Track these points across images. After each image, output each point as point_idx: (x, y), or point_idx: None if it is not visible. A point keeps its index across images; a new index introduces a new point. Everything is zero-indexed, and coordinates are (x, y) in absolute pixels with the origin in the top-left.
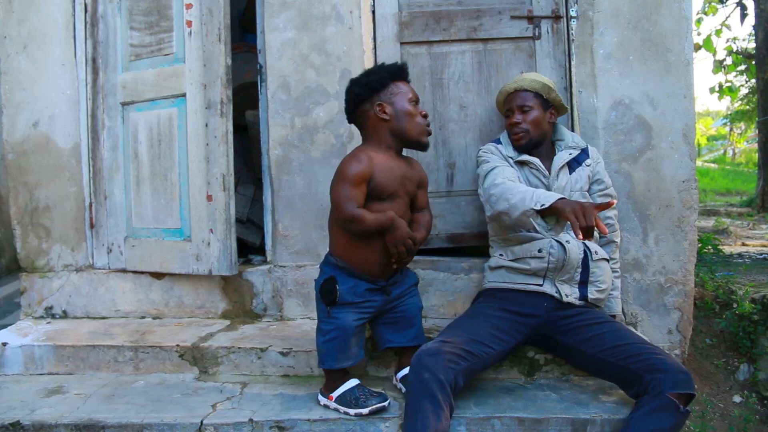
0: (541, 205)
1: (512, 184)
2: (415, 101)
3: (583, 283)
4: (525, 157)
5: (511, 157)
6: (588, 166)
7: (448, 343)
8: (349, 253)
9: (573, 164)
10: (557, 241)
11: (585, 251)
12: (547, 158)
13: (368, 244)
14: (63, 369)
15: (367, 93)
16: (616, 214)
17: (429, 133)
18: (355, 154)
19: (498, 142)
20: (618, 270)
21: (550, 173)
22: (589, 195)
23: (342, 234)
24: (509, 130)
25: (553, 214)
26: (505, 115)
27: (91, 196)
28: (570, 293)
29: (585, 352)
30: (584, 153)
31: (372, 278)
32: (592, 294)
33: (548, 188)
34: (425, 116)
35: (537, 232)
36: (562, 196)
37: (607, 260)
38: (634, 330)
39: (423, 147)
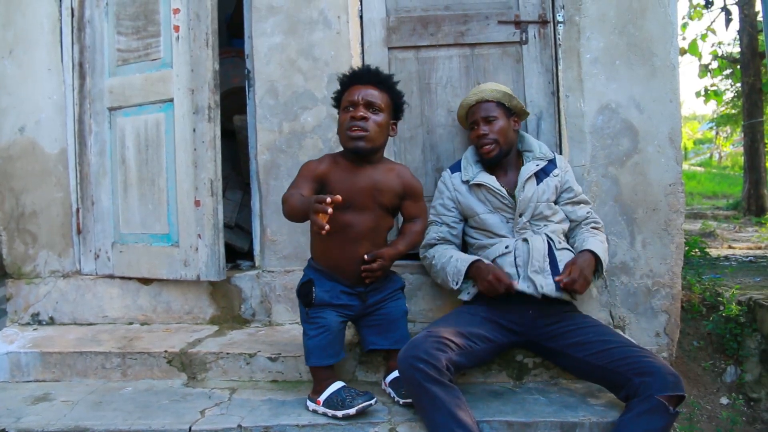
0: (456, 283)
1: (433, 261)
2: (351, 104)
3: (555, 274)
4: (481, 179)
5: (468, 181)
6: (556, 176)
7: (432, 334)
8: (325, 258)
9: (540, 175)
10: (522, 239)
11: (548, 242)
12: (514, 170)
13: (341, 252)
14: (50, 376)
15: (335, 103)
16: (589, 210)
17: (354, 137)
18: (323, 156)
19: (457, 167)
20: (605, 242)
21: (516, 186)
22: (558, 203)
23: (319, 240)
24: (477, 143)
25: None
26: (470, 128)
27: (78, 202)
28: (545, 284)
29: (573, 356)
30: (552, 163)
31: (350, 282)
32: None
33: (509, 206)
34: (355, 117)
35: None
36: (473, 261)
37: (570, 250)
38: (621, 333)
39: (354, 151)
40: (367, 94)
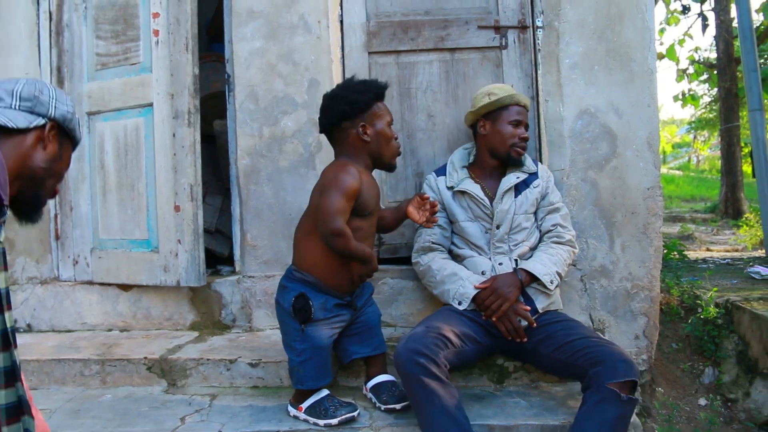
0: (459, 303)
1: (432, 270)
2: (392, 123)
3: (527, 300)
4: (465, 187)
5: (453, 187)
6: (536, 187)
7: (432, 329)
8: (322, 266)
9: (521, 186)
10: (498, 264)
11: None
12: (499, 177)
13: (342, 258)
14: (27, 384)
15: (352, 112)
16: (555, 223)
17: (399, 155)
18: (346, 167)
19: (442, 171)
20: (565, 260)
21: (494, 196)
22: (537, 210)
23: (315, 246)
24: (514, 142)
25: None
26: (514, 125)
27: (56, 207)
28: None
29: (541, 353)
30: (534, 175)
31: (340, 293)
32: (540, 302)
33: (490, 216)
34: (397, 138)
35: None
36: (478, 290)
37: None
38: (590, 328)
39: (393, 169)
40: None
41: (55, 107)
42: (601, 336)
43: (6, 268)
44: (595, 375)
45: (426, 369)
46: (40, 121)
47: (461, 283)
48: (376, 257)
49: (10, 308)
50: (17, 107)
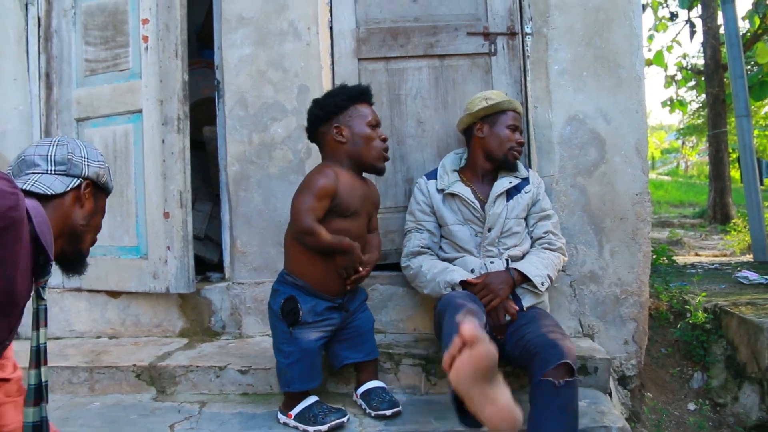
0: (451, 288)
1: (422, 270)
2: (375, 125)
3: (516, 300)
4: (456, 189)
5: (443, 189)
6: (527, 193)
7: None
8: (310, 270)
9: (512, 191)
10: (489, 262)
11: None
12: (491, 182)
13: (329, 260)
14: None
15: (325, 115)
16: (547, 230)
17: (386, 159)
18: (322, 169)
19: (433, 175)
20: (556, 266)
21: (486, 200)
22: (527, 218)
23: (302, 250)
24: (512, 146)
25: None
26: (510, 130)
27: None
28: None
29: (507, 348)
30: (525, 180)
31: (330, 296)
32: (527, 302)
33: (480, 219)
34: (384, 140)
35: None
36: (466, 278)
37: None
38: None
39: (378, 171)
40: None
41: (87, 166)
42: (556, 328)
43: (46, 324)
44: (533, 370)
45: (463, 306)
46: (76, 182)
47: (450, 270)
48: (358, 246)
49: (46, 363)
50: (53, 172)
